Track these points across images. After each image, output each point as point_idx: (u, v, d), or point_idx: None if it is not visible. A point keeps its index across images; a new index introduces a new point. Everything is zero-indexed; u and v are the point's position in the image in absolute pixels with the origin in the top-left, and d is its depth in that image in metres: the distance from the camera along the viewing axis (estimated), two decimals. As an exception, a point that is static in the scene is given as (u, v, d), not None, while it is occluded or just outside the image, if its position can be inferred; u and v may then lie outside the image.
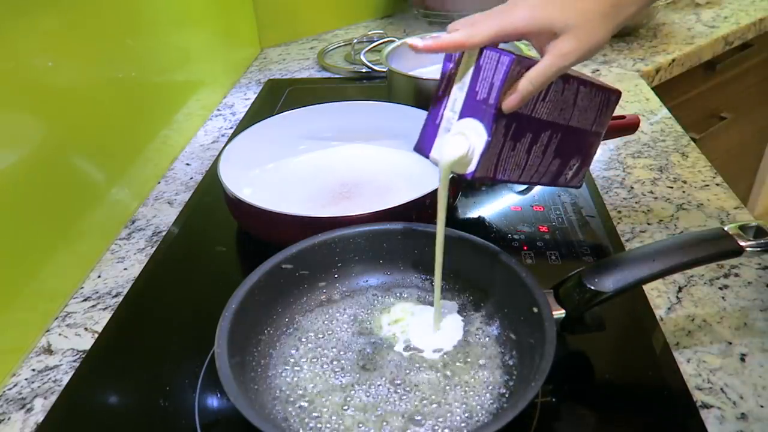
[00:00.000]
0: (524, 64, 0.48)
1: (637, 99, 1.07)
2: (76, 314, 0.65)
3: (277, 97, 1.14)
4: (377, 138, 0.84)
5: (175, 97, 0.97)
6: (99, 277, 0.70)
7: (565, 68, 0.49)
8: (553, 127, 0.56)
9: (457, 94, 0.50)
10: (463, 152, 0.50)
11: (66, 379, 0.57)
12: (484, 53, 0.48)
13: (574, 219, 0.74)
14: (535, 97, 0.52)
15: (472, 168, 0.50)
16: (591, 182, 0.82)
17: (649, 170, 0.85)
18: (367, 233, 0.60)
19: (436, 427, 0.47)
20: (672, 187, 0.81)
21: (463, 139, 0.50)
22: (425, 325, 0.56)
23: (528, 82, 0.48)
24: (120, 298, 0.66)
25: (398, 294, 0.60)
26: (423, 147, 0.53)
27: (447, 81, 0.51)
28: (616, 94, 0.62)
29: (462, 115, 0.50)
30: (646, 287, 0.63)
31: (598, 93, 0.59)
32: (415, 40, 0.49)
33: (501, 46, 0.50)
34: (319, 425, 0.47)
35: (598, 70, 1.20)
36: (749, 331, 0.58)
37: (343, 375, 0.52)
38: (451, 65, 0.51)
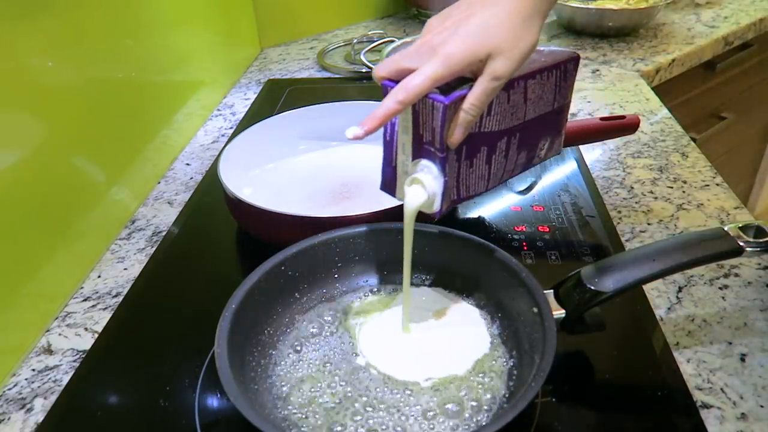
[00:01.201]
0: (459, 95, 0.48)
1: (637, 99, 1.07)
2: (76, 314, 0.65)
3: (277, 97, 1.14)
4: (377, 138, 0.83)
5: (175, 97, 0.97)
6: (99, 277, 0.70)
7: (501, 86, 0.48)
8: (509, 131, 0.55)
9: (404, 138, 0.51)
10: (423, 199, 0.51)
11: (66, 379, 0.57)
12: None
13: (574, 219, 0.74)
14: (480, 116, 0.51)
15: (436, 208, 0.52)
16: (591, 182, 0.82)
17: (649, 170, 0.85)
18: (367, 233, 0.60)
19: (436, 428, 0.47)
20: (672, 187, 0.81)
21: (421, 187, 0.51)
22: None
23: (466, 114, 0.48)
24: (120, 298, 0.66)
25: (398, 294, 0.60)
26: (388, 188, 0.55)
27: (391, 125, 0.53)
28: (572, 61, 0.60)
29: (414, 157, 0.52)
30: (646, 287, 0.63)
31: (550, 74, 0.57)
32: (354, 131, 0.48)
33: None
34: (318, 425, 0.47)
35: (597, 70, 1.20)
36: (749, 331, 0.58)
37: (342, 375, 0.52)
38: None
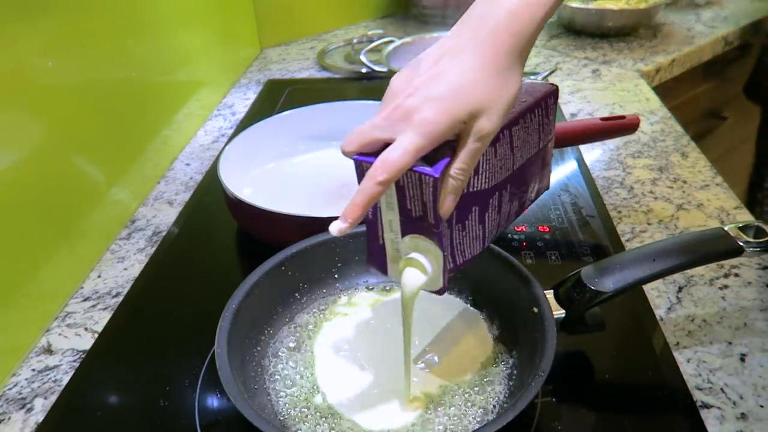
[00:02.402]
0: (445, 163, 0.42)
1: (637, 99, 1.07)
2: (76, 314, 0.65)
3: (277, 97, 1.14)
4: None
5: (175, 97, 0.97)
6: (99, 277, 0.70)
7: (487, 144, 0.43)
8: (499, 185, 0.50)
9: (389, 214, 0.46)
10: (423, 280, 0.46)
11: (66, 379, 0.57)
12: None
13: (574, 219, 0.74)
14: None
15: (440, 284, 0.47)
16: (591, 182, 0.82)
17: (649, 170, 0.85)
18: (367, 233, 0.60)
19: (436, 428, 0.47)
20: (672, 187, 0.81)
21: (419, 267, 0.46)
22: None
23: (455, 180, 0.42)
24: (120, 298, 0.66)
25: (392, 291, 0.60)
26: (376, 265, 0.49)
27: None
28: (552, 95, 0.54)
29: (404, 233, 0.46)
30: (646, 287, 0.63)
31: (533, 115, 0.51)
32: (337, 226, 0.42)
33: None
34: (318, 425, 0.47)
35: (597, 70, 1.20)
36: (749, 331, 0.58)
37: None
38: None
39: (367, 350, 0.54)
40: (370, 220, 0.47)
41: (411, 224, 0.45)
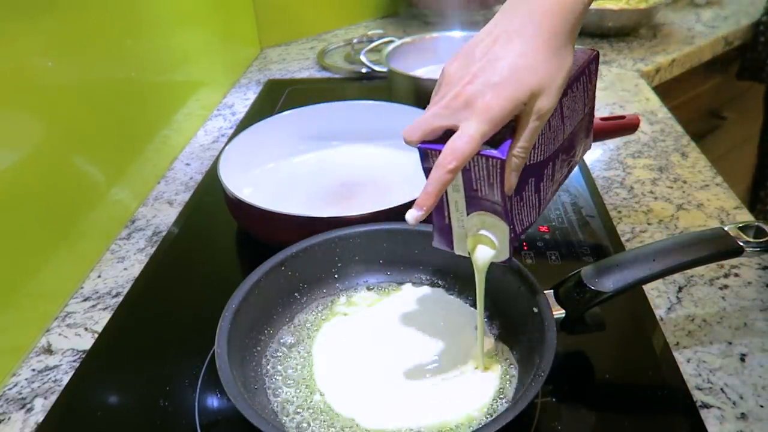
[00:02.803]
0: (509, 143, 0.45)
1: (637, 99, 1.07)
2: (76, 314, 0.65)
3: (277, 97, 1.14)
4: (377, 138, 0.84)
5: (175, 97, 0.97)
6: (99, 277, 0.70)
7: (545, 122, 0.45)
8: (553, 156, 0.52)
9: (455, 196, 0.48)
10: (492, 254, 0.49)
11: (66, 379, 0.57)
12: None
13: (574, 219, 0.74)
14: None
15: (506, 255, 0.49)
16: (591, 182, 0.82)
17: (649, 170, 0.85)
18: (367, 233, 0.60)
19: (437, 428, 0.47)
20: (672, 187, 0.81)
21: (488, 242, 0.48)
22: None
23: (517, 158, 0.44)
24: (120, 298, 0.66)
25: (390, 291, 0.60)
26: (444, 243, 0.52)
27: None
28: (594, 61, 0.55)
29: (470, 211, 0.48)
30: (646, 287, 0.63)
31: (578, 83, 0.53)
32: (413, 215, 0.45)
33: None
34: (318, 424, 0.47)
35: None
36: (749, 331, 0.58)
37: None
38: (430, 165, 0.47)
39: (365, 350, 0.54)
40: None
41: (476, 203, 0.47)
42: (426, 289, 0.60)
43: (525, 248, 0.69)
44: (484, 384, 0.50)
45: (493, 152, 0.44)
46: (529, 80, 0.43)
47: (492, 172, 0.44)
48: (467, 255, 0.50)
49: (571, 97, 0.52)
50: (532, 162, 0.49)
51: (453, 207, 0.49)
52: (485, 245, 0.49)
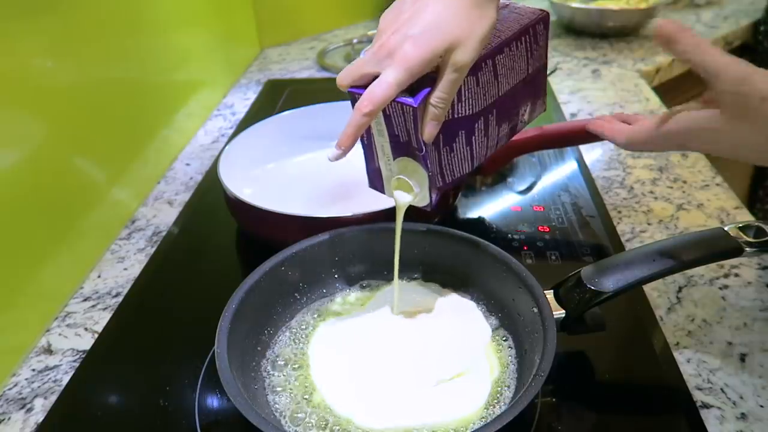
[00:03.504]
0: (426, 93, 0.47)
1: (637, 99, 1.07)
2: (76, 314, 0.65)
3: (277, 97, 1.14)
4: (377, 138, 0.84)
5: (175, 97, 0.97)
6: (99, 277, 0.70)
7: (464, 74, 0.48)
8: (484, 111, 0.54)
9: (381, 140, 0.52)
10: (410, 197, 0.53)
11: (66, 379, 0.57)
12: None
13: (574, 219, 0.74)
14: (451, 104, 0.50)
15: (426, 201, 0.53)
16: (591, 182, 0.82)
17: (649, 170, 0.85)
18: (367, 233, 0.60)
19: (437, 428, 0.47)
20: (672, 187, 0.81)
21: (407, 185, 0.52)
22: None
23: (435, 108, 0.47)
24: (120, 298, 0.66)
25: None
26: (376, 186, 0.56)
27: (366, 130, 0.52)
28: (541, 21, 0.56)
29: (395, 156, 0.52)
30: (646, 287, 0.63)
31: (519, 42, 0.54)
32: (333, 153, 0.50)
33: None
34: (317, 423, 0.47)
35: (597, 70, 1.20)
36: (749, 331, 0.58)
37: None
38: None
39: (361, 348, 0.54)
40: (366, 144, 0.53)
41: (400, 148, 0.51)
42: (420, 283, 0.61)
43: (525, 248, 0.69)
44: (483, 384, 0.50)
45: (408, 99, 0.47)
46: (445, 34, 0.45)
47: (408, 119, 0.48)
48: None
49: (509, 55, 0.54)
50: (460, 115, 0.52)
51: (380, 151, 0.53)
52: (404, 190, 0.53)
